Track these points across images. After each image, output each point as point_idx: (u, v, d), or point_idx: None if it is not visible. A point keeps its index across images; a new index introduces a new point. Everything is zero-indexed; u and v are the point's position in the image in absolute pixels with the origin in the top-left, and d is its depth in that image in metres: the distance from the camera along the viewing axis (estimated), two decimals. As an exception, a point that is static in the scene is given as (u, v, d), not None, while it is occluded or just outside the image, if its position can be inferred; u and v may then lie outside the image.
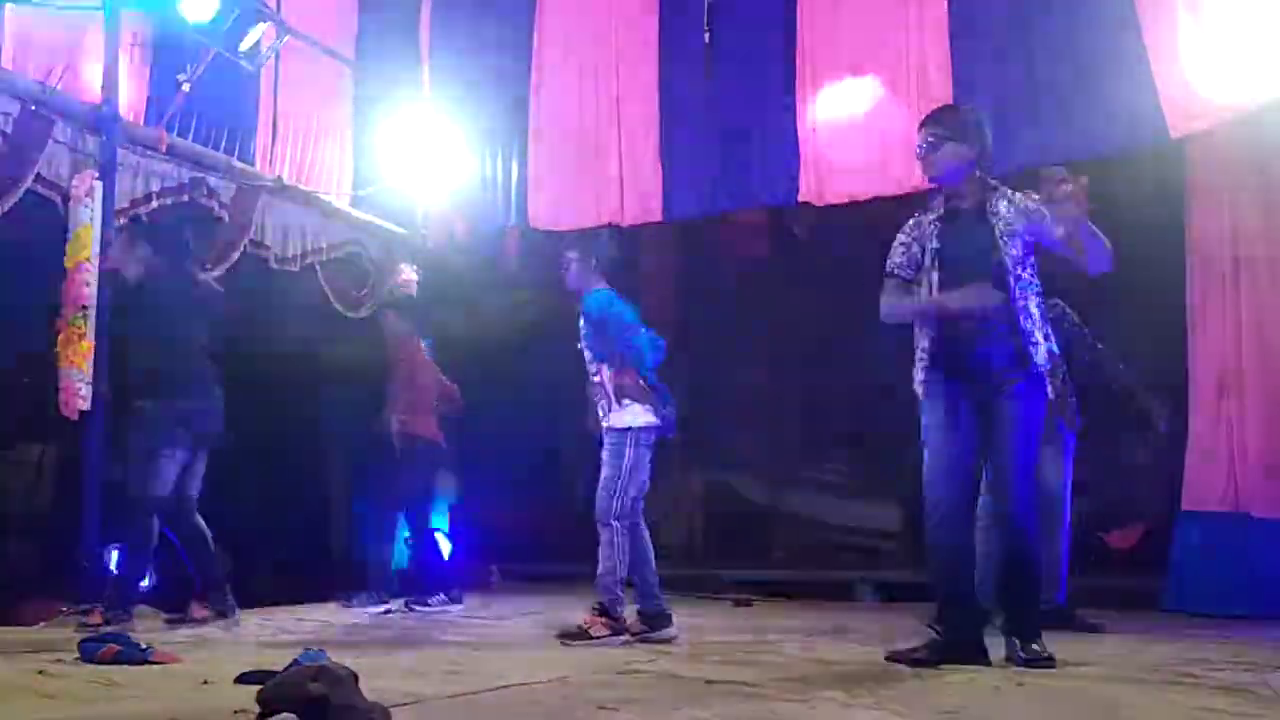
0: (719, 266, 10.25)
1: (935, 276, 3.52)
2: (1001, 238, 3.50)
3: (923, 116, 3.82)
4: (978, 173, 3.61)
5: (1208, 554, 5.70)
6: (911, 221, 3.68)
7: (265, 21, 5.83)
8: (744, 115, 6.56)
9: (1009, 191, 3.59)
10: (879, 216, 7.00)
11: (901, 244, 3.65)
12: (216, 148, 5.91)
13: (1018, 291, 3.46)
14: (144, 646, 3.37)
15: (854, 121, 6.24)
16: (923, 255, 3.57)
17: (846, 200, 6.34)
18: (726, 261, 10.25)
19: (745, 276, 10.28)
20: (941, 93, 5.94)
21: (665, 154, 6.78)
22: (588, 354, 4.50)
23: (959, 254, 3.53)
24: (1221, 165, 5.86)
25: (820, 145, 6.34)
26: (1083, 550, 4.44)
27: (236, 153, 6.03)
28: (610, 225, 7.06)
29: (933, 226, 3.60)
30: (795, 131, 6.39)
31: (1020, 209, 3.53)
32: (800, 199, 6.43)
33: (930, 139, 3.63)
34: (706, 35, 6.68)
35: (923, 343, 3.58)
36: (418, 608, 5.56)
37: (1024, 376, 3.46)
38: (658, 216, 6.90)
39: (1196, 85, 5.26)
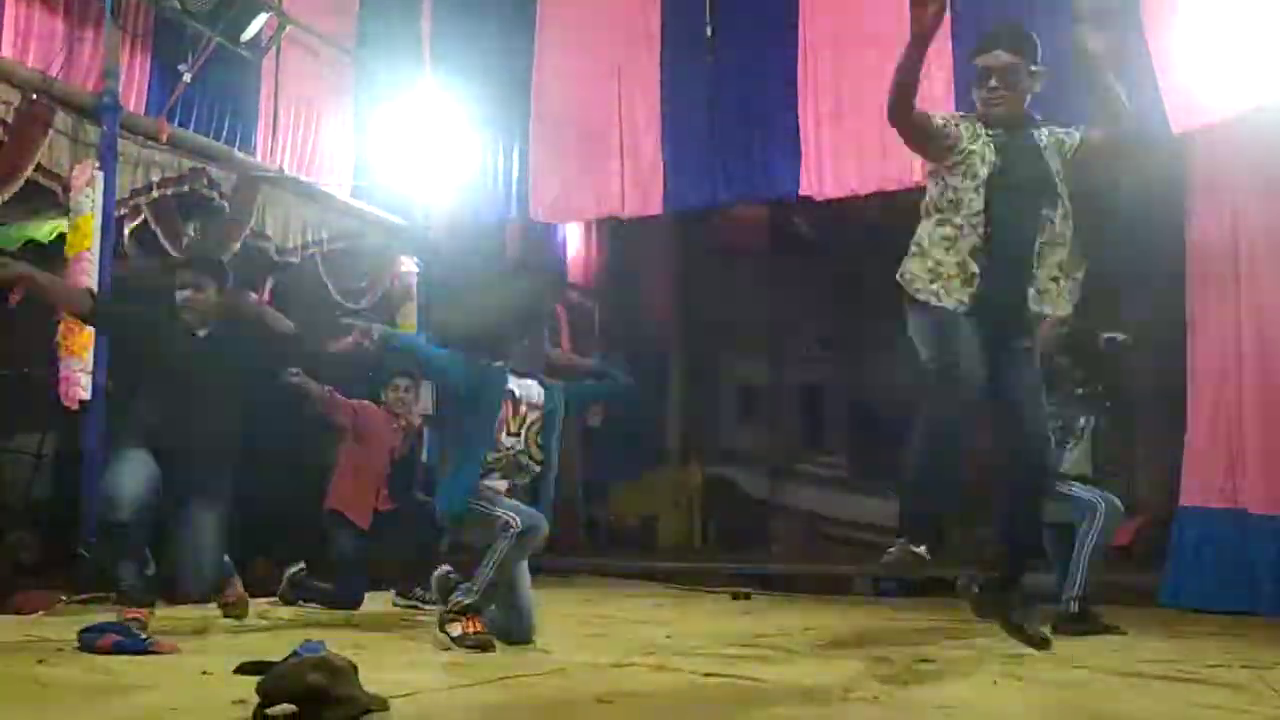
0: (719, 259, 10.27)
1: (983, 196, 3.10)
2: (1058, 175, 3.18)
3: (988, 36, 3.32)
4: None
5: (1205, 550, 5.71)
6: (963, 116, 3.26)
7: (266, 11, 5.83)
8: (745, 108, 6.56)
9: (1045, 124, 3.33)
10: (880, 211, 7.03)
11: (954, 119, 3.23)
12: (217, 138, 5.91)
13: (1059, 227, 3.12)
14: (143, 637, 3.37)
15: (855, 115, 6.23)
16: (964, 160, 3.13)
17: (848, 194, 6.34)
18: (727, 254, 10.26)
19: (746, 270, 10.29)
20: (943, 88, 5.94)
21: (666, 146, 6.78)
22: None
23: (1017, 179, 3.13)
24: (1222, 162, 5.86)
25: (822, 139, 6.34)
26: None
27: (237, 143, 6.03)
28: (611, 217, 7.07)
29: (986, 139, 3.17)
30: (797, 125, 6.39)
31: (1056, 141, 3.26)
32: (801, 193, 6.43)
33: (1012, 65, 3.19)
34: (709, 27, 6.68)
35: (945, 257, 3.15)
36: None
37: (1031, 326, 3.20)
38: (658, 209, 6.90)
39: (1198, 82, 5.26)
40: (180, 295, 3.89)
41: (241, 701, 2.34)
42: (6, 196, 4.82)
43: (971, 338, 3.04)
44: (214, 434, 3.88)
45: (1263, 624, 4.96)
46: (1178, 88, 5.31)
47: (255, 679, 2.32)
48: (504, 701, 2.63)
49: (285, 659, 2.41)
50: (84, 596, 4.43)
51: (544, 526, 3.71)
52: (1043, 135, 3.26)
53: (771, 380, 10.97)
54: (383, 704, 2.35)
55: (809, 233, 9.65)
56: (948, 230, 3.12)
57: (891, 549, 2.98)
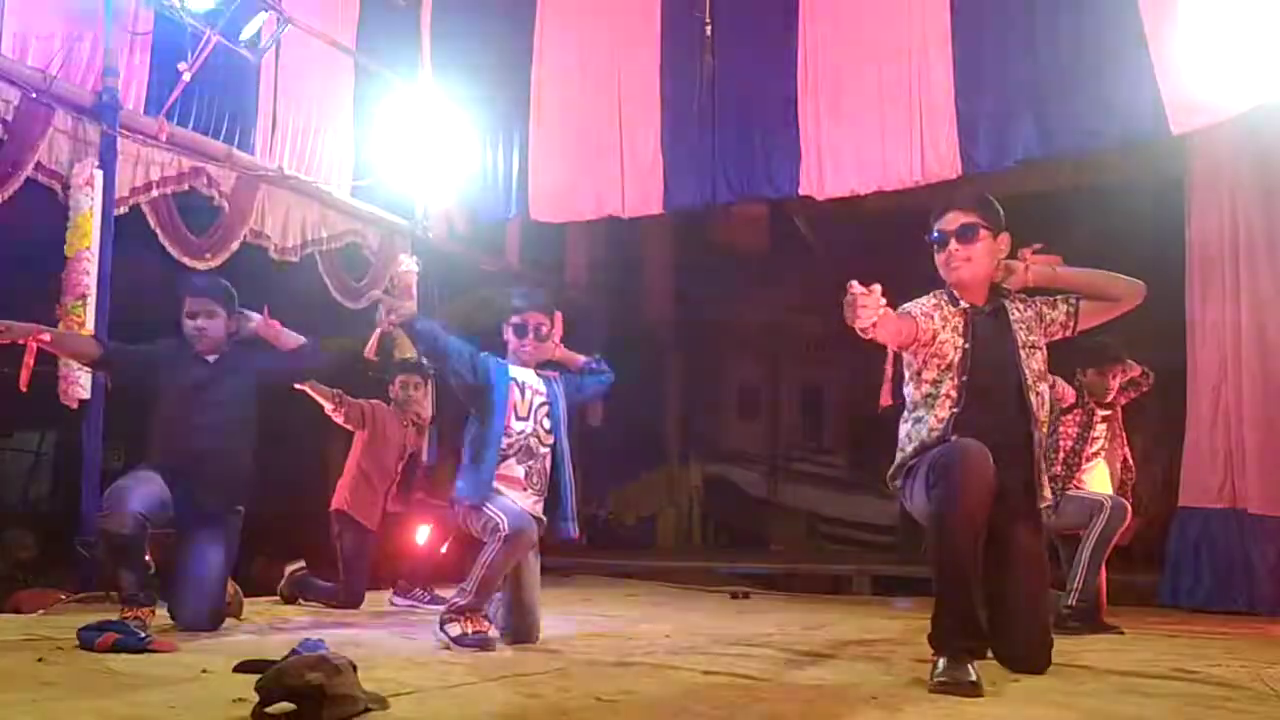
0: (719, 258, 10.27)
1: (961, 380, 3.04)
2: (1023, 349, 3.11)
3: (943, 201, 3.26)
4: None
5: (1204, 550, 5.72)
6: (933, 301, 3.15)
7: (266, 10, 5.83)
8: (745, 107, 6.57)
9: (1019, 296, 3.22)
10: (879, 209, 7.03)
11: (924, 310, 3.11)
12: (216, 137, 5.91)
13: (1037, 413, 3.07)
14: (143, 635, 3.37)
15: (855, 114, 6.24)
16: (948, 350, 3.07)
17: (847, 194, 6.35)
18: (726, 254, 10.27)
19: (745, 269, 10.30)
20: (944, 86, 5.95)
21: (666, 146, 6.79)
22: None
23: (987, 362, 3.08)
24: (1222, 163, 5.87)
25: (821, 138, 6.35)
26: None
27: (236, 142, 6.03)
28: (610, 216, 7.07)
29: (959, 319, 3.11)
30: (796, 124, 6.40)
31: (1035, 313, 3.18)
32: (801, 192, 6.44)
33: (966, 225, 3.11)
34: (708, 27, 6.68)
35: (919, 435, 3.10)
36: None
37: (1033, 506, 3.10)
38: (658, 208, 6.91)
39: (1197, 82, 5.27)
40: (190, 326, 3.91)
41: (240, 699, 2.34)
42: (7, 195, 4.82)
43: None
44: (226, 458, 3.89)
45: (1262, 623, 4.97)
46: (1177, 88, 5.32)
47: (254, 677, 2.32)
48: (504, 700, 2.62)
49: (284, 657, 2.41)
50: (83, 595, 4.43)
51: (530, 528, 3.65)
52: (1016, 309, 3.17)
53: (770, 380, 10.97)
54: (382, 702, 2.35)
55: (808, 231, 9.65)
56: (927, 419, 3.08)
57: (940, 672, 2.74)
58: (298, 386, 4.72)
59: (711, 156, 6.64)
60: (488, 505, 3.65)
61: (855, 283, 2.78)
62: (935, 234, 3.17)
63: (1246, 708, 2.64)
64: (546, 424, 3.88)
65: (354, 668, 2.39)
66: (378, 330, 3.95)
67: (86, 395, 4.89)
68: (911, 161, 6.01)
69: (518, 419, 3.81)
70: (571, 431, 4.03)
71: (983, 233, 3.11)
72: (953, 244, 3.12)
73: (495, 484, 3.71)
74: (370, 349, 4.13)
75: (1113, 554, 4.52)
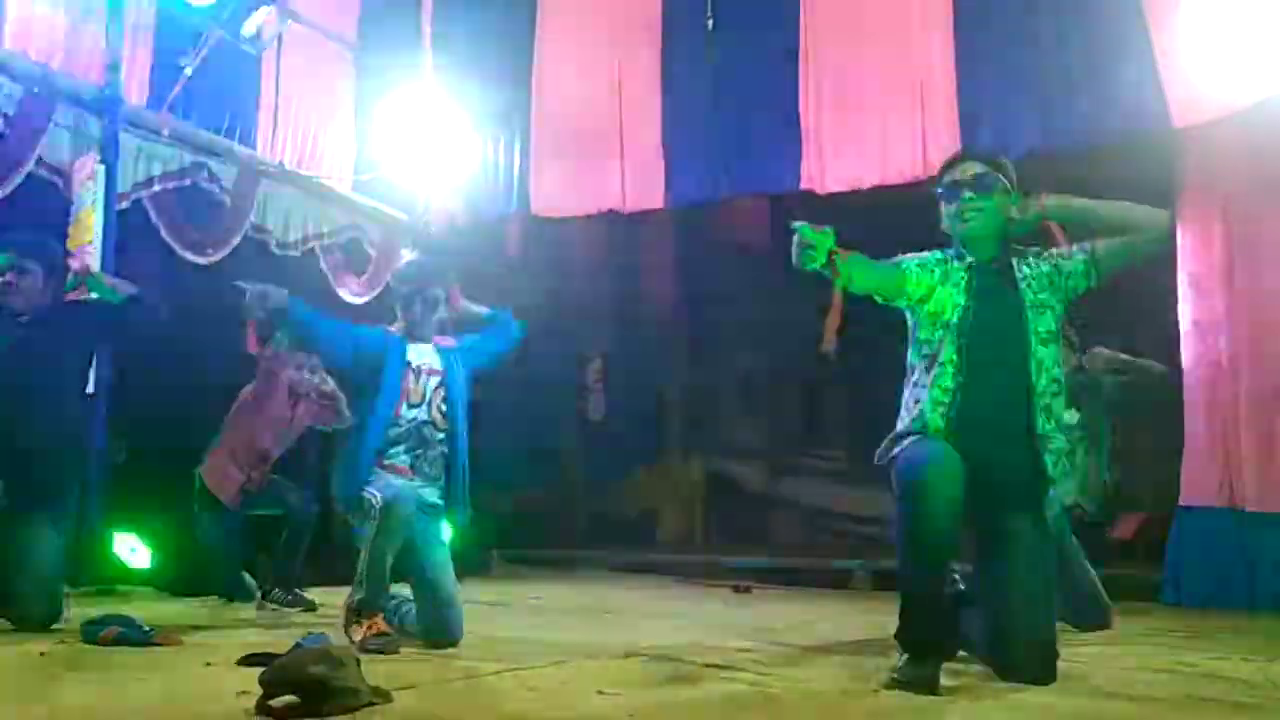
0: (720, 253, 10.26)
1: (961, 343, 2.89)
2: (1030, 309, 2.92)
3: (951, 154, 3.17)
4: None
5: (1205, 548, 5.72)
6: (937, 255, 3.02)
7: (268, 5, 5.83)
8: (747, 101, 6.56)
9: (1028, 252, 3.04)
10: (881, 203, 7.02)
11: (921, 262, 2.99)
12: (218, 132, 5.91)
13: (1040, 381, 2.89)
14: (146, 628, 3.38)
15: (857, 107, 6.24)
16: (948, 307, 2.92)
17: (849, 188, 6.34)
18: (728, 248, 10.26)
19: (746, 263, 10.29)
20: (945, 77, 5.94)
21: (667, 140, 6.78)
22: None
23: (989, 322, 2.91)
24: (1215, 157, 5.84)
25: (823, 132, 6.34)
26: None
27: (238, 137, 6.04)
28: (611, 211, 7.07)
29: (962, 276, 2.96)
30: (798, 118, 6.39)
31: (1050, 268, 2.97)
32: (803, 186, 6.43)
33: (982, 175, 2.95)
34: (710, 20, 6.67)
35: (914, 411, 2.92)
36: None
37: (1035, 494, 2.90)
38: (659, 203, 6.91)
39: (1200, 76, 5.25)
40: None
41: (244, 693, 2.35)
42: (8, 190, 4.82)
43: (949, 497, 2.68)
44: (49, 432, 3.68)
45: (1264, 621, 4.97)
46: (1181, 80, 5.29)
47: (258, 670, 2.33)
48: (504, 692, 2.63)
49: (288, 651, 2.42)
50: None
51: (404, 499, 3.39)
52: (1026, 266, 2.99)
53: (772, 374, 10.96)
54: (385, 696, 2.36)
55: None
56: (930, 392, 2.91)
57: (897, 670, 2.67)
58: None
59: (713, 151, 6.63)
60: (364, 491, 3.43)
61: (801, 225, 2.71)
62: (946, 185, 3.01)
63: (1247, 702, 2.64)
64: (444, 408, 3.65)
65: (357, 661, 2.40)
66: (250, 321, 3.82)
67: (90, 389, 4.89)
68: (914, 155, 5.99)
69: (409, 406, 3.59)
70: (471, 407, 3.76)
71: (997, 186, 2.97)
72: (966, 193, 2.96)
73: (376, 469, 3.50)
74: (250, 343, 3.99)
75: (1114, 551, 4.48)
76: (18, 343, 3.70)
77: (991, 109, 5.84)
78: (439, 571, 3.55)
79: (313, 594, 4.77)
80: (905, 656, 2.69)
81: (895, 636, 2.76)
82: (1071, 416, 4.40)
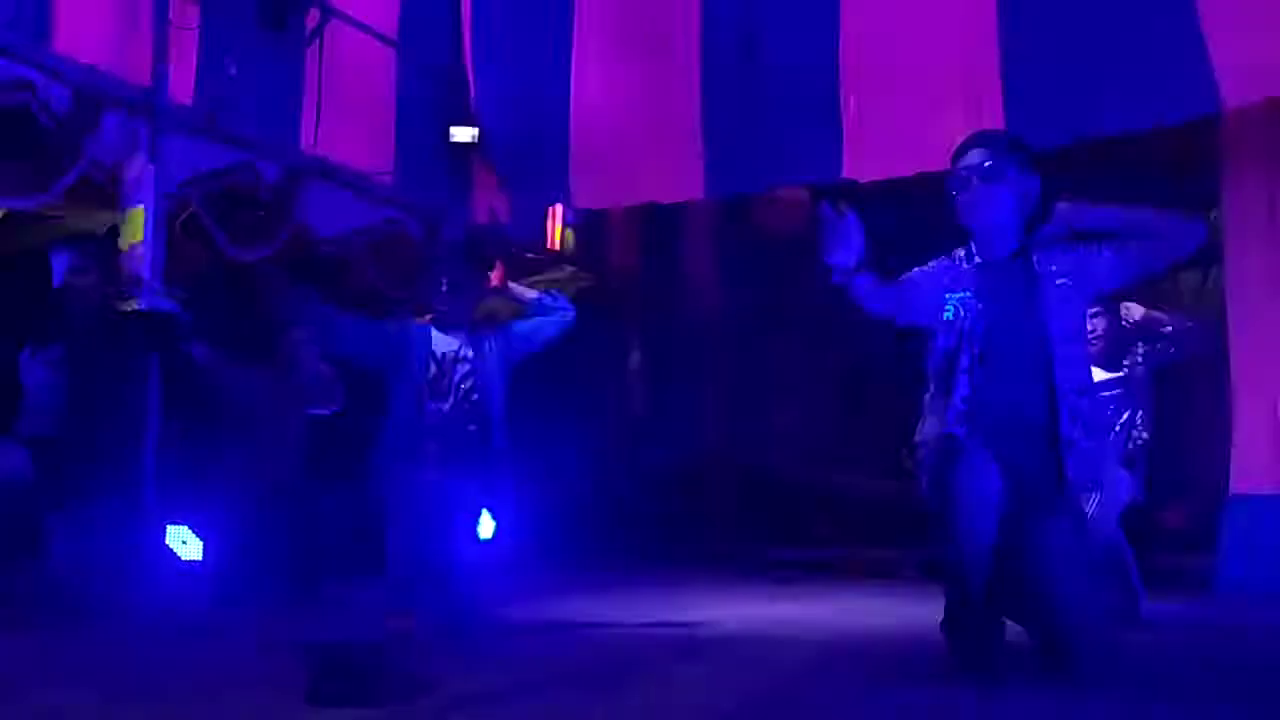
0: (759, 244, 10.22)
1: (977, 348, 2.77)
2: (1053, 305, 2.78)
3: (961, 140, 3.05)
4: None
5: (1257, 535, 5.62)
6: (945, 260, 2.93)
7: (311, 3, 5.89)
8: (786, 89, 6.51)
9: (1057, 243, 2.89)
10: (923, 192, 6.95)
11: (926, 272, 2.92)
12: (262, 130, 5.97)
13: (1064, 382, 2.76)
14: (201, 612, 3.45)
15: (899, 96, 6.17)
16: (959, 312, 2.82)
17: (891, 176, 6.28)
18: (767, 239, 10.21)
19: (786, 254, 10.23)
20: (989, 61, 5.86)
21: (706, 130, 6.75)
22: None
23: (1005, 323, 2.79)
24: (1260, 136, 5.73)
25: (864, 120, 6.27)
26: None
27: (281, 135, 6.10)
28: (651, 202, 7.07)
29: (974, 275, 2.85)
30: (838, 106, 6.33)
31: (1074, 263, 2.81)
32: (844, 175, 6.38)
33: (991, 162, 2.81)
34: (748, 7, 6.64)
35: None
36: None
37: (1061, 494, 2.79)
38: (699, 194, 6.89)
39: (1254, 55, 5.13)
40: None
41: (297, 678, 2.39)
42: (59, 190, 4.91)
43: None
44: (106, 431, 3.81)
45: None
46: (1232, 56, 5.17)
47: (311, 657, 2.37)
48: (553, 675, 2.66)
49: (342, 637, 2.46)
50: None
51: (418, 490, 3.37)
52: (1050, 260, 2.83)
53: (812, 364, 10.91)
54: (436, 681, 2.39)
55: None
56: (947, 399, 2.82)
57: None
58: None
59: (752, 141, 6.59)
60: (388, 485, 3.44)
61: (829, 204, 2.63)
62: (955, 174, 2.88)
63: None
64: (473, 396, 3.58)
65: (409, 647, 2.43)
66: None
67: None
68: (957, 142, 5.93)
69: (435, 397, 3.55)
70: (508, 392, 3.69)
71: (1010, 173, 2.81)
72: (975, 182, 2.82)
73: (406, 463, 3.48)
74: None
75: (1164, 540, 4.41)
76: (81, 348, 3.90)
77: (1036, 92, 5.76)
78: (466, 572, 3.47)
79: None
80: (957, 648, 2.68)
81: (945, 629, 2.74)
82: (1111, 377, 4.30)
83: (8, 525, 3.77)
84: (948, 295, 2.83)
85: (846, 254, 2.65)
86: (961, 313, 2.80)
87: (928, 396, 2.93)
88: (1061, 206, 2.84)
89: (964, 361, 2.77)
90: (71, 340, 3.80)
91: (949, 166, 2.97)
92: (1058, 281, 2.79)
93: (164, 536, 5.03)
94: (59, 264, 3.89)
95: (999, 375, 2.75)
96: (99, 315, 3.89)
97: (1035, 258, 2.83)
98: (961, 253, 2.91)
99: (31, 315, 3.88)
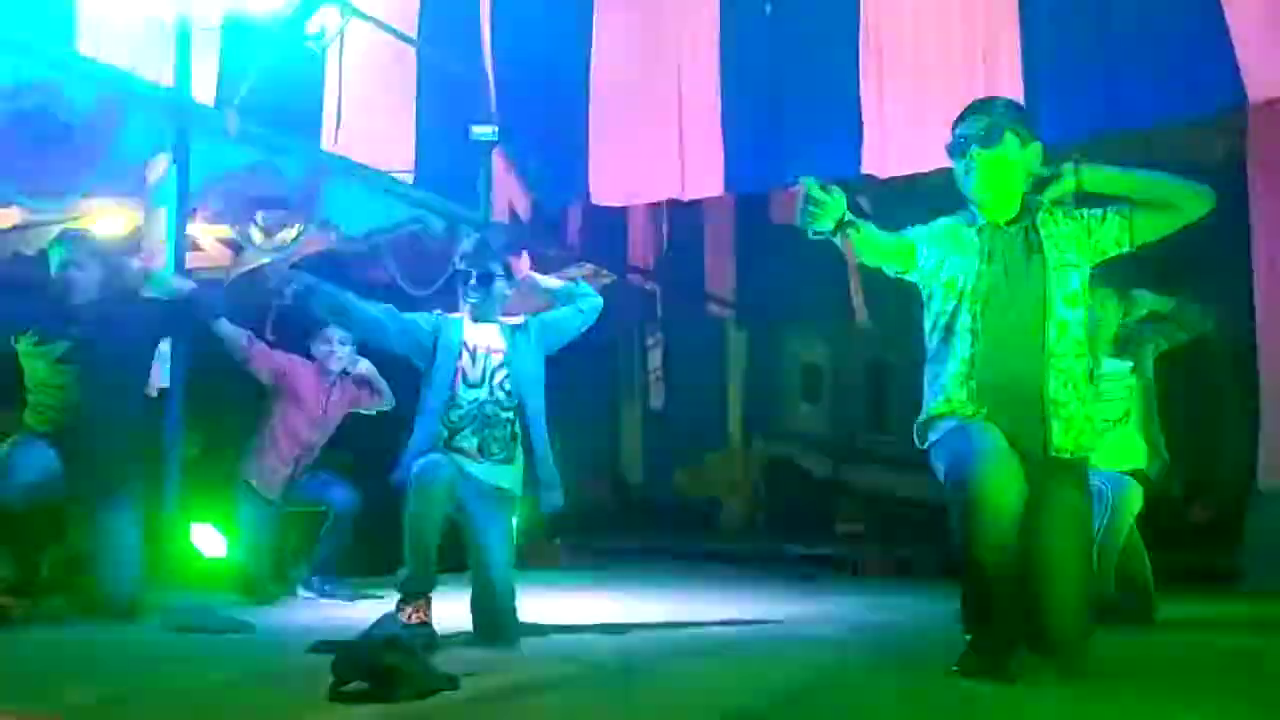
0: (780, 238, 10.20)
1: (976, 310, 2.75)
2: (1055, 270, 2.76)
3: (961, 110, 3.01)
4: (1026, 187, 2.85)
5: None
6: (948, 221, 2.91)
7: (331, 3, 5.92)
8: (806, 85, 6.49)
9: (1061, 208, 2.86)
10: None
11: (930, 231, 2.88)
12: (283, 129, 6.01)
13: (1059, 345, 2.74)
14: (223, 615, 3.48)
15: (919, 90, 6.13)
16: (958, 274, 2.79)
17: (911, 171, 6.25)
18: (787, 233, 10.19)
19: (806, 248, 10.21)
20: (1010, 56, 5.82)
21: (726, 126, 6.74)
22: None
23: (1005, 286, 2.77)
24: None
25: (884, 115, 6.24)
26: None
27: (303, 134, 6.13)
28: (670, 199, 7.07)
29: (976, 238, 2.82)
30: (859, 101, 6.30)
31: (1080, 228, 2.78)
32: (864, 170, 6.35)
33: (990, 127, 2.79)
34: (769, 5, 6.62)
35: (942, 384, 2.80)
36: None
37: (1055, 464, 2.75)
38: (719, 189, 6.88)
39: (1277, 46, 5.07)
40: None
41: (316, 678, 2.40)
42: (83, 191, 4.95)
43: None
44: (115, 427, 3.80)
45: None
46: (1259, 49, 5.11)
47: (330, 657, 2.38)
48: (570, 676, 2.66)
49: (359, 638, 2.47)
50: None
51: (434, 470, 3.29)
52: (1052, 224, 2.82)
53: (835, 359, 10.89)
54: (454, 681, 2.40)
55: (870, 210, 9.53)
56: (948, 365, 2.79)
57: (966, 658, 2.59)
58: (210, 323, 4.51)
59: (772, 136, 6.58)
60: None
61: (808, 179, 2.61)
62: (954, 139, 2.86)
63: None
64: (507, 385, 3.53)
65: (427, 647, 2.44)
66: (274, 305, 3.79)
67: (166, 384, 5.01)
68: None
69: (468, 387, 3.50)
70: (547, 383, 3.65)
71: (1008, 136, 2.78)
72: (974, 148, 2.80)
73: (439, 453, 3.41)
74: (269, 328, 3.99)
75: (1187, 535, 4.37)
76: (81, 341, 3.83)
77: (1057, 86, 5.71)
78: (494, 571, 3.40)
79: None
80: (975, 646, 2.62)
81: (963, 626, 2.68)
82: (1123, 365, 4.24)
83: (38, 519, 3.82)
84: (950, 256, 2.81)
85: (824, 222, 2.64)
86: (960, 276, 2.78)
87: (930, 363, 2.90)
88: (1069, 167, 2.82)
89: (964, 320, 2.76)
90: (76, 334, 3.84)
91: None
92: (1060, 246, 2.78)
93: (187, 532, 5.08)
94: (56, 257, 3.94)
95: (998, 337, 2.74)
96: (99, 308, 3.92)
97: (1037, 221, 2.82)
98: (966, 214, 2.90)
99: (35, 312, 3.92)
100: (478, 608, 3.43)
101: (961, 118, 2.90)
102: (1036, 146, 2.85)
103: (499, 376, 3.53)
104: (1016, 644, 2.63)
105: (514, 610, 3.40)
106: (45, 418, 3.78)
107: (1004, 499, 2.57)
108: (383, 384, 5.04)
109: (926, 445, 2.87)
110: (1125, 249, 2.82)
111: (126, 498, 3.83)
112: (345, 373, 5.03)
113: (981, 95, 5.81)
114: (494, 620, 3.37)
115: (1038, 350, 2.73)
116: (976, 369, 2.74)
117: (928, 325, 2.89)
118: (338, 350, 4.96)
